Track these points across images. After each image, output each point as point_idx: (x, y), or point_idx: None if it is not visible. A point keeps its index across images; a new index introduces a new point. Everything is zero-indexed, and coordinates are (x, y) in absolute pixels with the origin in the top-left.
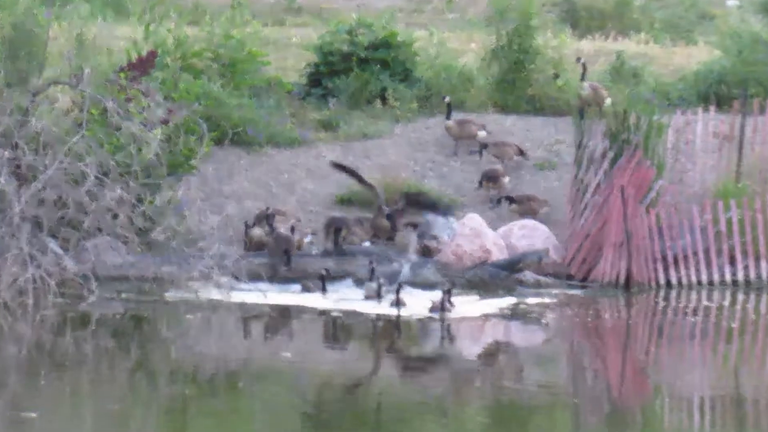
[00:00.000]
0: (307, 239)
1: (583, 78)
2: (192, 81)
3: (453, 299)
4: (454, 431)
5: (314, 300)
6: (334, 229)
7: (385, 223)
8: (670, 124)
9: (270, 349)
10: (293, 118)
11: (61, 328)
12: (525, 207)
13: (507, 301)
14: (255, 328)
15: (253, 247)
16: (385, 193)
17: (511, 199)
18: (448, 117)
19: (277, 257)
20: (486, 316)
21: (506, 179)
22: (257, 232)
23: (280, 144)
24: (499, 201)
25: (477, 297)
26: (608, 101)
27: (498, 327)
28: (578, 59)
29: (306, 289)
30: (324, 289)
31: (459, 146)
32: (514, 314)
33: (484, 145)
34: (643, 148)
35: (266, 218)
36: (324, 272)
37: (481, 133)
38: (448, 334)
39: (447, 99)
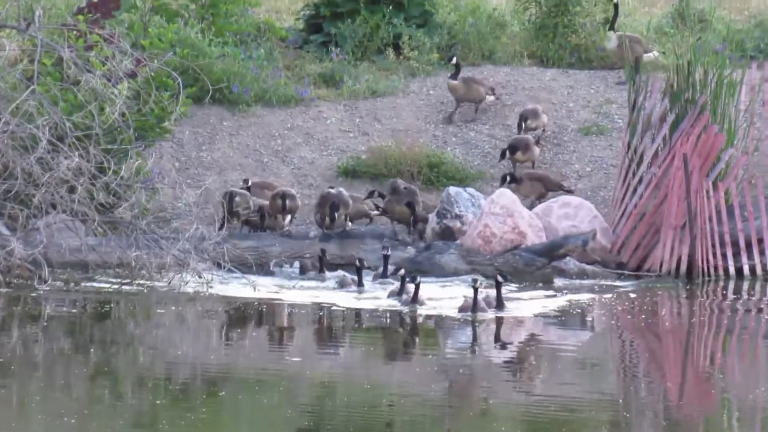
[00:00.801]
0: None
1: (612, 26)
2: (165, 25)
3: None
4: None
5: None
6: (330, 205)
7: (404, 209)
8: (744, 81)
9: (235, 354)
10: (288, 72)
11: (5, 325)
12: (527, 188)
13: (551, 297)
14: (231, 326)
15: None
16: (399, 164)
17: (512, 178)
18: (455, 76)
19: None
20: (533, 317)
21: (536, 150)
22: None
23: (271, 103)
24: (504, 179)
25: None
26: (651, 55)
27: (553, 335)
28: None
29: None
30: (321, 270)
31: (461, 108)
32: (565, 314)
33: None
34: (711, 109)
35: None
36: (320, 253)
37: (489, 98)
38: (486, 348)
39: (454, 59)
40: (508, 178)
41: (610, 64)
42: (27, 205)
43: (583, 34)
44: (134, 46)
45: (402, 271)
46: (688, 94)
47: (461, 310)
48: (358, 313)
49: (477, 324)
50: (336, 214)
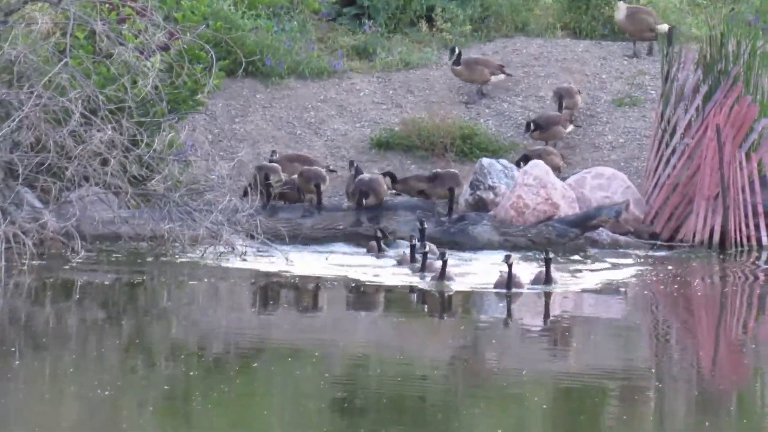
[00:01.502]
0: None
1: None
2: None
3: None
4: None
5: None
6: (360, 192)
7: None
8: None
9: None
10: (320, 44)
11: (39, 297)
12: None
13: (594, 271)
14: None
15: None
16: (432, 136)
17: (525, 159)
18: (457, 62)
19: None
20: (578, 293)
21: (561, 128)
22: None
23: (304, 75)
24: (518, 162)
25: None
26: (662, 27)
27: (608, 311)
28: None
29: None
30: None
31: (472, 89)
32: (608, 290)
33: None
34: (744, 80)
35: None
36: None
37: (499, 77)
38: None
39: (457, 50)
40: (532, 126)
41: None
42: (60, 178)
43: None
44: (167, 18)
45: (426, 248)
46: (720, 65)
47: (496, 285)
48: (376, 289)
49: (509, 298)
50: (365, 202)
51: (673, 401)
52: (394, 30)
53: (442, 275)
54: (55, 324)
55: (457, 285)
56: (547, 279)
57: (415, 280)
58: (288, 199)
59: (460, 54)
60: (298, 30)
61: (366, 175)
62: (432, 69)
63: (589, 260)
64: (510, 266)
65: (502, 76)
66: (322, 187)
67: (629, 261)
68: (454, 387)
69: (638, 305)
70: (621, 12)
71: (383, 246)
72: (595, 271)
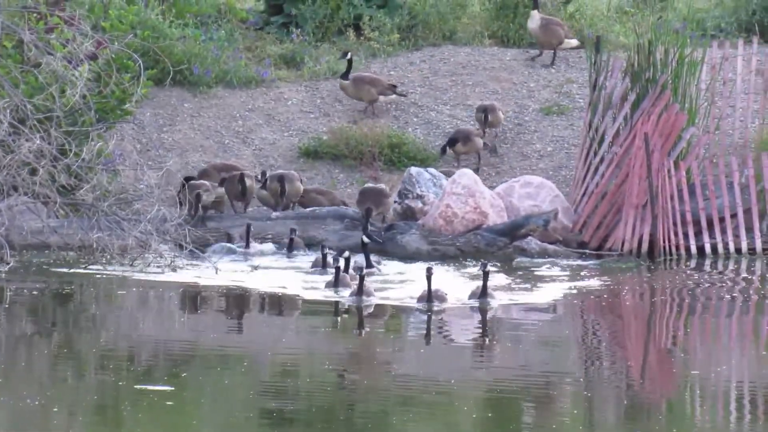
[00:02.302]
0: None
1: (536, 5)
2: (125, 7)
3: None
4: None
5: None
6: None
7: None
8: (705, 60)
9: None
10: (248, 53)
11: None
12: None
13: (525, 284)
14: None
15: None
16: (361, 145)
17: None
18: (345, 76)
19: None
20: (508, 306)
21: (478, 142)
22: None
23: (232, 84)
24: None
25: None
26: (571, 42)
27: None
28: None
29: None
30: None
31: (360, 107)
32: (540, 305)
33: None
34: (672, 88)
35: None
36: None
37: (390, 97)
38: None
39: (348, 55)
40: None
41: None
42: None
43: (544, 14)
44: (95, 28)
45: (341, 260)
46: (648, 73)
47: (419, 299)
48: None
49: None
50: (370, 217)
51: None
52: (322, 39)
53: (360, 291)
54: None
55: (377, 300)
56: (483, 293)
57: (330, 294)
58: (217, 208)
59: (350, 64)
60: (226, 39)
61: (372, 183)
62: None
63: (518, 270)
64: (429, 279)
65: (393, 96)
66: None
67: (559, 272)
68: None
69: (569, 320)
70: (534, 21)
71: (293, 249)
72: (526, 285)
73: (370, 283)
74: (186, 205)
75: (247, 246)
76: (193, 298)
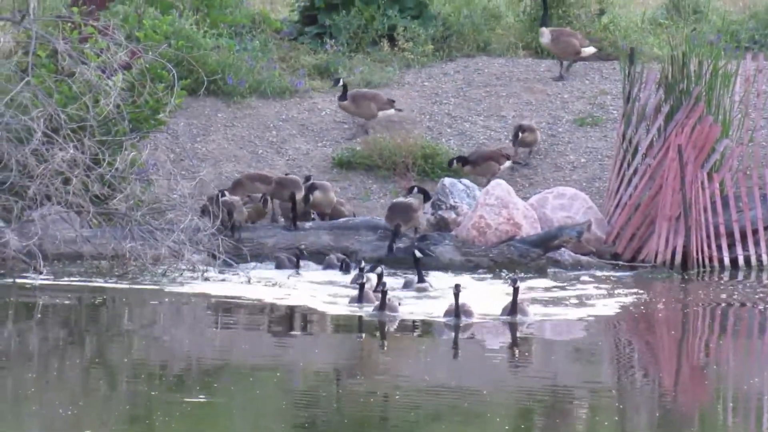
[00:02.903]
0: None
1: (543, 22)
2: (160, 17)
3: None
4: None
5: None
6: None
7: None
8: (739, 72)
9: None
10: (282, 63)
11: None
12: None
13: (564, 299)
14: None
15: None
16: (394, 156)
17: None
18: (343, 97)
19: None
20: (540, 323)
21: (495, 163)
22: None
23: (266, 94)
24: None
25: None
26: (587, 50)
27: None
28: None
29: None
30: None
31: (356, 124)
32: (572, 323)
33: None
34: (706, 100)
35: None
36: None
37: (388, 112)
38: None
39: (341, 81)
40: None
41: (604, 55)
42: (22, 196)
43: (577, 26)
44: (129, 37)
45: (366, 276)
46: (682, 85)
47: (446, 314)
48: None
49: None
50: (399, 234)
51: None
52: (356, 49)
53: (383, 306)
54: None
55: (401, 315)
56: (513, 309)
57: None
58: (250, 218)
59: (345, 87)
60: (260, 49)
61: (404, 198)
62: (394, 88)
63: (551, 282)
64: (457, 295)
65: (391, 111)
66: (297, 197)
67: (592, 285)
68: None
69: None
70: (545, 37)
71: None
72: (561, 299)
73: (394, 298)
74: (217, 216)
75: (298, 267)
76: (212, 309)
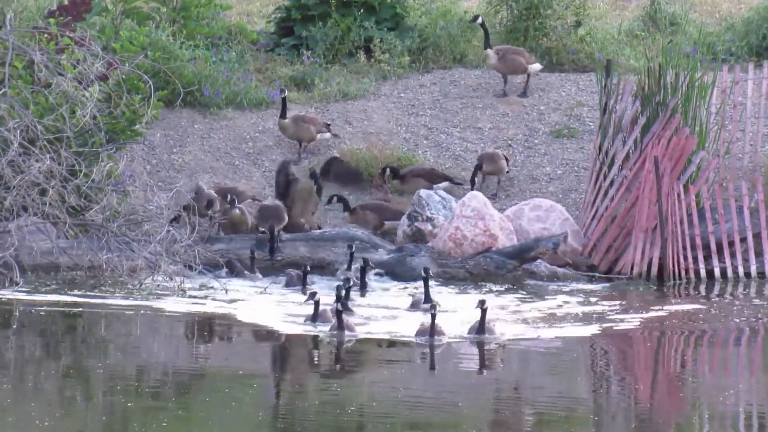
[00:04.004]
0: None
1: (486, 44)
2: (136, 28)
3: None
4: None
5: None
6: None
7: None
8: (715, 84)
9: None
10: (259, 75)
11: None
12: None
13: (534, 312)
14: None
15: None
16: (371, 167)
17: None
18: (283, 115)
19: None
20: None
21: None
22: (236, 212)
23: (242, 106)
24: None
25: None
26: (534, 67)
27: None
28: (474, 19)
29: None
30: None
31: (299, 147)
32: (547, 342)
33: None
34: (682, 112)
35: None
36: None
37: (324, 135)
38: None
39: (284, 93)
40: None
41: (581, 67)
42: None
43: (554, 37)
44: (105, 49)
45: (317, 296)
46: (659, 96)
47: (418, 333)
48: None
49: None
50: (275, 232)
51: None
52: (333, 60)
53: (340, 326)
54: None
55: (359, 334)
56: (480, 328)
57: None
58: (225, 230)
59: (285, 103)
60: (237, 60)
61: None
62: (370, 100)
63: (527, 295)
64: (434, 317)
65: (327, 135)
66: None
67: (568, 299)
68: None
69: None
70: (492, 58)
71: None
72: (536, 317)
73: (353, 317)
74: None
75: (252, 271)
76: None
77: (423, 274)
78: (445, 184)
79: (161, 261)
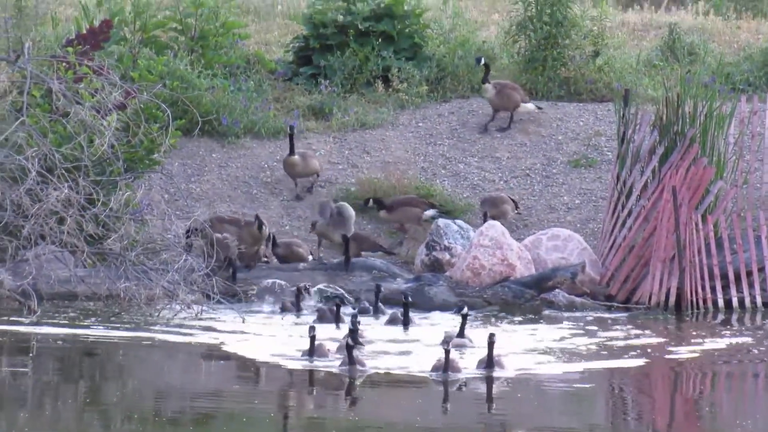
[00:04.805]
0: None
1: (485, 79)
2: (154, 57)
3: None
4: None
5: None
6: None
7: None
8: (733, 114)
9: None
10: (277, 104)
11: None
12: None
13: (544, 349)
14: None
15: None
16: (388, 196)
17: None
18: (291, 152)
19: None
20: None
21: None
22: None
23: (260, 135)
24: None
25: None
26: (528, 106)
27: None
28: (478, 61)
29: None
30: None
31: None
32: (563, 377)
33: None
34: (700, 142)
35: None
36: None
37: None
38: None
39: (293, 125)
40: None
41: (599, 97)
42: (16, 236)
43: (572, 67)
44: (123, 78)
45: (314, 331)
46: (677, 126)
47: (434, 369)
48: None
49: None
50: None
51: None
52: (351, 90)
53: (351, 360)
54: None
55: (369, 369)
56: (489, 362)
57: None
58: (242, 259)
59: (292, 139)
60: (255, 89)
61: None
62: (388, 129)
63: (544, 324)
64: (447, 352)
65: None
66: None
67: (584, 330)
68: None
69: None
70: (489, 92)
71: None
72: (550, 348)
73: (360, 353)
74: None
75: (298, 309)
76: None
77: (463, 311)
78: (431, 212)
79: (179, 290)
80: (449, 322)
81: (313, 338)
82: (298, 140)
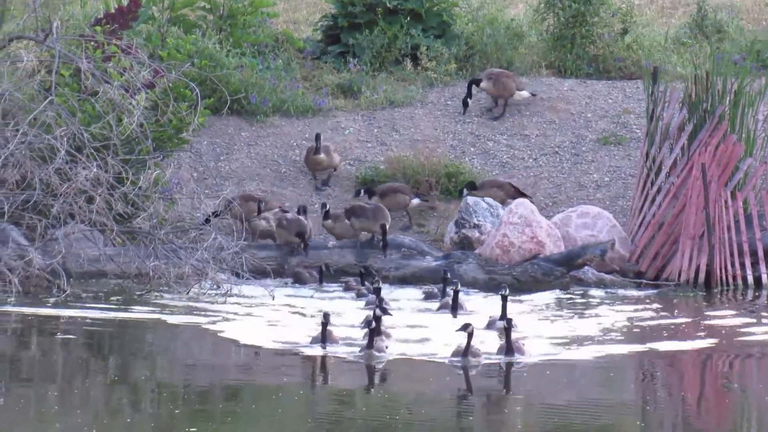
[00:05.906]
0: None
1: (476, 80)
2: (183, 36)
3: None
4: None
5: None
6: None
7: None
8: (763, 91)
9: None
10: (305, 82)
11: (23, 335)
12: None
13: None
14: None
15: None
16: (417, 174)
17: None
18: (317, 151)
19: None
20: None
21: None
22: (262, 222)
23: (289, 113)
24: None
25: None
26: (523, 94)
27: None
28: (465, 105)
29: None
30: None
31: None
32: (584, 363)
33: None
34: (730, 119)
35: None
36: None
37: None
38: None
39: (320, 138)
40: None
41: (628, 75)
42: (45, 215)
43: (600, 45)
44: (152, 56)
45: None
46: (706, 104)
47: (454, 354)
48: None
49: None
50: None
51: None
52: (379, 68)
53: (370, 344)
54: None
55: (388, 356)
56: (508, 349)
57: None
58: (273, 237)
59: (319, 138)
60: (283, 68)
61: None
62: (417, 107)
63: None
64: (470, 336)
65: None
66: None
67: (614, 311)
68: None
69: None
70: (484, 81)
71: (366, 284)
72: (576, 330)
73: (380, 339)
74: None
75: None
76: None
77: (502, 292)
78: (416, 200)
79: (208, 268)
80: (477, 299)
81: (324, 325)
82: (327, 118)
